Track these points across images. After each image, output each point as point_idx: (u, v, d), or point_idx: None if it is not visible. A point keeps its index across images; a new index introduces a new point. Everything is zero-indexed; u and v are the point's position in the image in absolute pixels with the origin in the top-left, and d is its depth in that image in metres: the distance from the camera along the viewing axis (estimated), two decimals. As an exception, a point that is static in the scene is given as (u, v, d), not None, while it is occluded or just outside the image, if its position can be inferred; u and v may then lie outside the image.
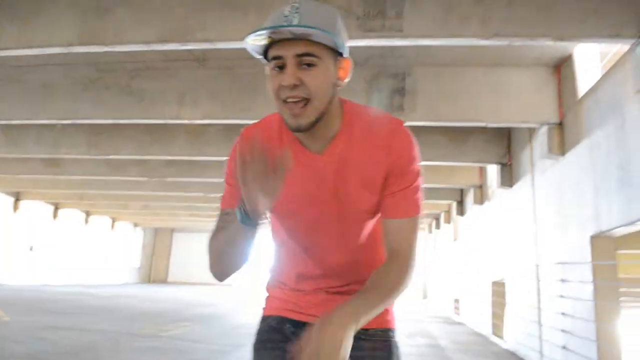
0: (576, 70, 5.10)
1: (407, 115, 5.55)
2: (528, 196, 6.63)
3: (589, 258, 4.74)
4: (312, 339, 0.99)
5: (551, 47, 5.04)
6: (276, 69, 1.16)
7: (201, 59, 5.80)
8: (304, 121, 1.17)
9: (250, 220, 1.12)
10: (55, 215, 17.78)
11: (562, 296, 5.40)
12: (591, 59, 5.09)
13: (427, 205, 13.58)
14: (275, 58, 1.15)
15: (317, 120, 1.18)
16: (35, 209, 16.74)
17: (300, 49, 1.13)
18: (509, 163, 7.42)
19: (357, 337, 1.16)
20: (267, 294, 1.48)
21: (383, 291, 1.17)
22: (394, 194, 1.26)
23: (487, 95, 5.54)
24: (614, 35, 3.49)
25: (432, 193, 11.59)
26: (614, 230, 4.42)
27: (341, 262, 1.36)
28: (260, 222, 1.15)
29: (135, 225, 24.75)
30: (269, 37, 1.13)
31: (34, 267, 17.14)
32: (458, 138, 7.36)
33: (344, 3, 3.73)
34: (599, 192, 4.55)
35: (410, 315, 12.82)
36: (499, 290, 8.36)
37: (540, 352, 6.08)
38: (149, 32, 4.06)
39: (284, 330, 1.40)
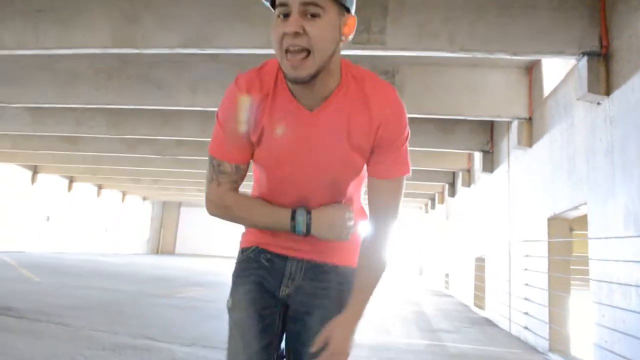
0: (543, 73, 5.80)
1: (396, 108, 6.27)
2: (504, 181, 7.39)
3: (545, 236, 5.52)
4: (327, 342, 1.25)
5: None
6: (281, 16, 1.15)
7: (214, 54, 6.50)
8: (303, 72, 1.15)
9: None
10: (69, 188, 18.70)
11: (526, 269, 6.19)
12: (556, 64, 5.77)
13: (422, 187, 14.42)
14: (281, 5, 1.14)
15: (316, 74, 1.17)
16: (51, 182, 17.65)
17: None
18: (491, 151, 8.16)
19: (326, 271, 1.41)
20: (244, 230, 1.54)
21: (375, 278, 1.35)
22: (384, 157, 1.30)
23: (466, 91, 6.24)
24: (559, 52, 4.20)
25: (426, 175, 12.36)
26: (566, 213, 5.18)
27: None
28: None
29: (144, 198, 25.67)
30: None
31: (50, 237, 18.13)
32: (446, 128, 8.08)
33: (337, 19, 4.44)
34: (554, 180, 5.31)
35: (405, 288, 13.69)
36: (480, 265, 9.18)
37: (509, 319, 6.90)
38: (172, 38, 4.77)
39: (260, 260, 1.46)
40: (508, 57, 4.36)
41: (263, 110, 1.28)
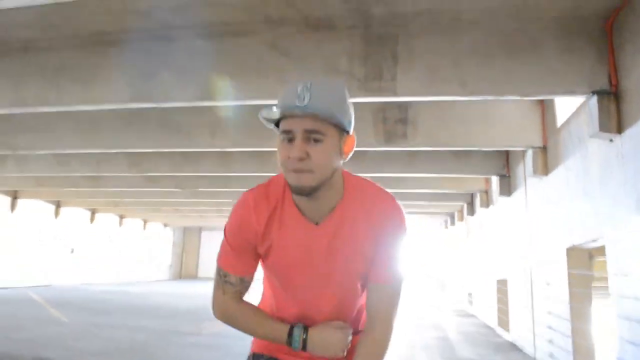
0: (555, 102, 5.84)
1: (410, 142, 6.34)
2: (522, 206, 7.39)
3: (565, 267, 5.52)
4: None
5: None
6: (286, 141, 1.25)
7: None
8: (307, 184, 1.24)
9: None
10: (92, 219, 19.04)
11: (547, 297, 6.18)
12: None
13: (441, 207, 14.45)
14: (285, 131, 1.24)
15: (318, 187, 1.26)
16: (74, 214, 17.99)
17: (309, 125, 1.21)
18: (508, 175, 8.17)
19: None
20: None
21: None
22: (379, 262, 1.35)
23: (479, 122, 6.28)
24: (570, 92, 4.24)
25: (445, 197, 12.40)
26: (584, 244, 5.18)
27: (326, 316, 1.42)
28: None
29: (165, 225, 25.97)
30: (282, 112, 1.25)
31: (75, 268, 18.44)
32: (461, 154, 8.12)
33: (348, 68, 4.56)
34: (571, 210, 5.32)
35: (427, 307, 13.61)
36: (502, 287, 9.14)
37: (534, 345, 6.87)
38: (189, 92, 4.93)
39: None
40: (518, 98, 4.43)
41: (272, 225, 1.36)
